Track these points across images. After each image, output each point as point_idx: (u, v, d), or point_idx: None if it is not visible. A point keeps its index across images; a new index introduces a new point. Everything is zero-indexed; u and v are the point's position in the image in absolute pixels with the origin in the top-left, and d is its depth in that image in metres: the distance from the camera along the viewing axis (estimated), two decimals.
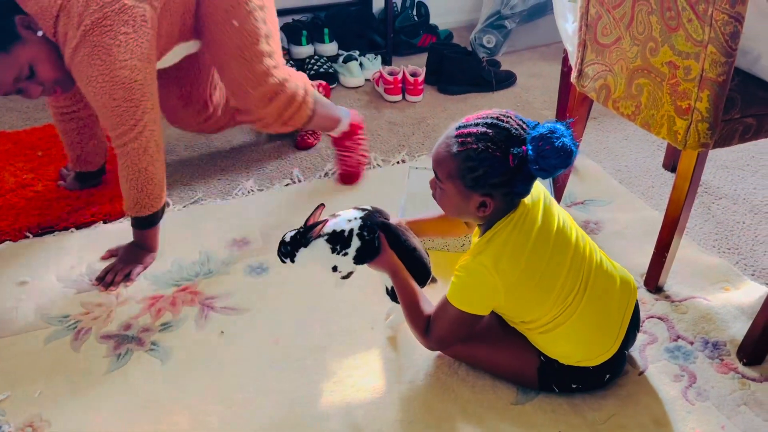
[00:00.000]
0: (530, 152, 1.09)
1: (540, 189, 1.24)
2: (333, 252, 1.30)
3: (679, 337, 1.45)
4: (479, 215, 1.18)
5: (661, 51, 1.37)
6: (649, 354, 1.41)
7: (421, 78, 2.54)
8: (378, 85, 2.63)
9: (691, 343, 1.43)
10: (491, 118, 1.13)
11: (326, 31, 2.77)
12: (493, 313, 1.34)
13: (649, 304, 1.54)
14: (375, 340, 1.46)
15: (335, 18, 2.89)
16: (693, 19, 1.28)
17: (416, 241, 1.37)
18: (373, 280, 1.62)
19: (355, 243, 1.30)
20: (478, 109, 1.19)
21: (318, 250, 1.30)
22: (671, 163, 2.08)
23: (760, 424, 1.25)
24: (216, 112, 2.02)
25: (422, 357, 1.41)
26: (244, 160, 2.16)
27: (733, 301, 1.54)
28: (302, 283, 1.63)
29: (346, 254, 1.31)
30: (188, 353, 1.44)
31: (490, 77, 2.61)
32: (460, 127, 1.15)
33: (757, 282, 1.60)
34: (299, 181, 2.06)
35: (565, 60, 2.00)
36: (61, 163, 2.07)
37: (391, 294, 1.36)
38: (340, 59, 2.72)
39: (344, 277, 1.39)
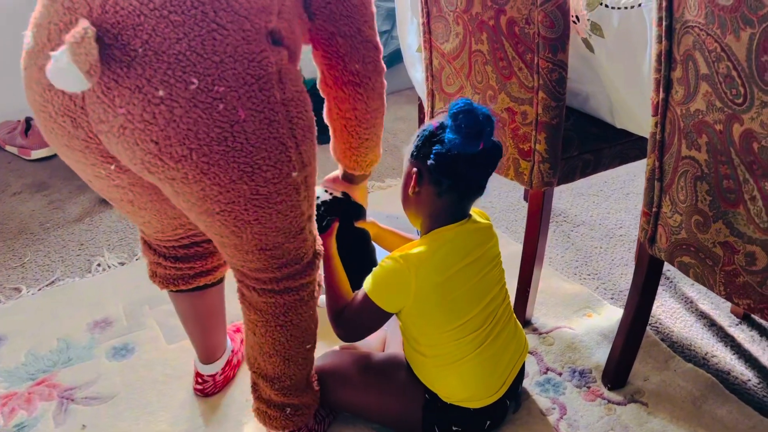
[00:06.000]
0: (450, 118, 1.15)
1: (494, 237, 1.30)
2: None
3: (548, 369, 1.50)
4: (408, 194, 1.22)
5: (500, 98, 1.44)
6: (522, 390, 1.44)
7: None
8: None
9: (560, 374, 1.48)
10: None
11: None
12: (384, 358, 1.36)
13: None
14: (252, 414, 1.40)
15: None
16: (523, 68, 1.35)
17: (371, 252, 1.41)
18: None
19: None
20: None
21: None
22: None
23: None
24: None
25: None
26: (104, 232, 2.06)
27: (595, 327, 1.61)
28: (171, 362, 1.55)
29: None
30: None
31: None
32: None
33: (615, 306, 1.69)
34: None
35: (421, 107, 2.06)
36: None
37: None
38: None
39: None
